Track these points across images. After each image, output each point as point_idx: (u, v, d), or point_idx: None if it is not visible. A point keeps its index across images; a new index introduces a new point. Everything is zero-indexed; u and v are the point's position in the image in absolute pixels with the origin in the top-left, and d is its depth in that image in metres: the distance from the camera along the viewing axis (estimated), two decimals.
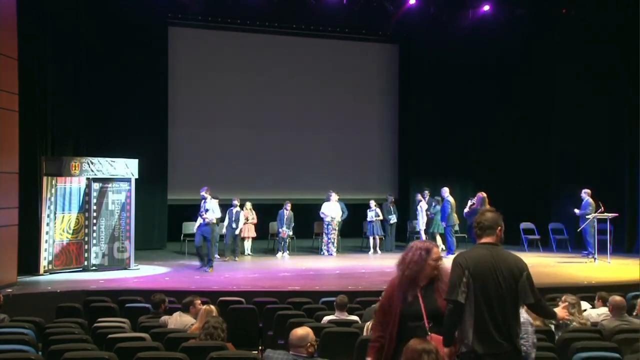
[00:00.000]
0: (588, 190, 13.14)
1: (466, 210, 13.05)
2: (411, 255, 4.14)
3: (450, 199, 13.78)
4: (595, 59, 14.89)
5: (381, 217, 14.38)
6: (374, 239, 14.34)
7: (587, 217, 12.64)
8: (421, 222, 14.27)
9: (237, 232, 12.90)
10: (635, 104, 13.72)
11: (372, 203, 14.45)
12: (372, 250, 14.30)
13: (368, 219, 14.34)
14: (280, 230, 13.55)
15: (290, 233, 13.66)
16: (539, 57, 16.02)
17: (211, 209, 11.48)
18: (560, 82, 15.83)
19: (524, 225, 14.71)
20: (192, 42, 15.59)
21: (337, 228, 13.87)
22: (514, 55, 16.23)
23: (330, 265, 12.41)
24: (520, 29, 15.80)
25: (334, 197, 13.81)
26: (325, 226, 13.78)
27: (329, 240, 13.76)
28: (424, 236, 14.05)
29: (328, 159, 16.55)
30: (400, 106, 17.28)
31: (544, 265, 12.20)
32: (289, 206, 13.63)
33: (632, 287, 8.99)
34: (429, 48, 16.56)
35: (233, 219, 12.89)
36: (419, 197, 14.37)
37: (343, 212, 14.11)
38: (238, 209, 12.94)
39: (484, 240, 4.12)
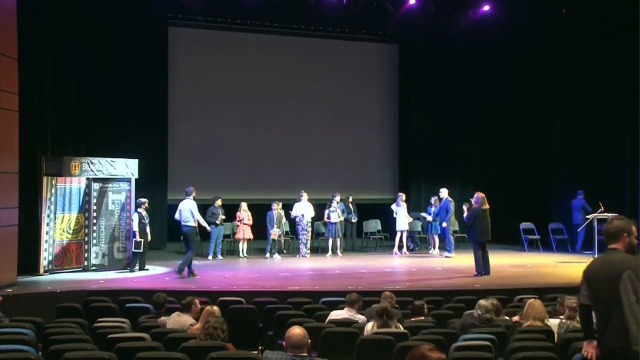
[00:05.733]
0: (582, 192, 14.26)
1: (465, 214, 12.94)
2: None
3: (449, 199, 13.72)
4: (595, 58, 14.90)
5: (341, 218, 13.83)
6: (334, 240, 13.75)
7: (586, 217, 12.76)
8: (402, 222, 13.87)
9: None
10: (635, 104, 13.71)
11: (334, 203, 13.73)
12: (330, 252, 13.70)
13: (327, 219, 13.72)
14: (270, 231, 13.24)
15: (279, 232, 13.29)
16: (538, 56, 16.01)
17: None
18: (560, 81, 15.84)
19: (524, 225, 14.71)
20: (192, 42, 15.58)
21: (308, 229, 13.58)
22: (513, 55, 16.23)
23: (330, 265, 12.40)
24: (520, 29, 15.80)
25: (305, 197, 13.56)
26: (301, 227, 13.44)
27: (300, 241, 13.52)
28: (399, 238, 13.91)
29: (328, 158, 16.52)
30: (400, 106, 17.27)
31: (544, 265, 12.21)
32: (275, 206, 13.36)
33: None
34: (429, 48, 16.57)
35: None
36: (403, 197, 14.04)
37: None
38: None
39: (610, 246, 4.25)
